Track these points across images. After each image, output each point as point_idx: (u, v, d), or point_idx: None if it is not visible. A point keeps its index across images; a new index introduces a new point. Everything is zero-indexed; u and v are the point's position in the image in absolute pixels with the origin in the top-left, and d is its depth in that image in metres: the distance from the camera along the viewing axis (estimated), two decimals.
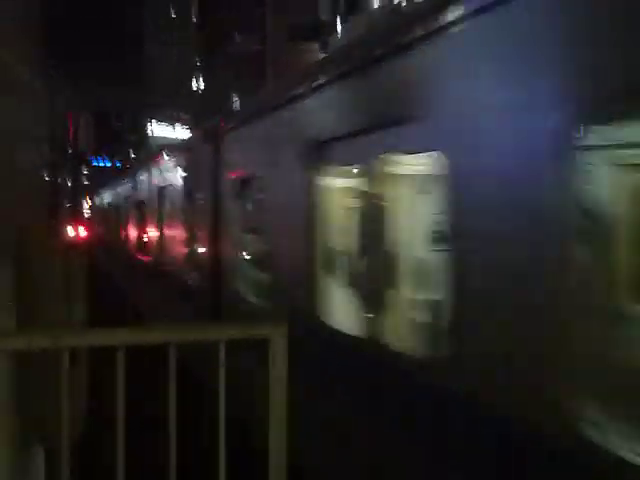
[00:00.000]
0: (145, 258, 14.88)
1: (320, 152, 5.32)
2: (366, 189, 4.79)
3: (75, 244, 2.94)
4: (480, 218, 3.41)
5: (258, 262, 7.39)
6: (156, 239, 13.43)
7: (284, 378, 2.38)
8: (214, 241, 8.70)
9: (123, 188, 19.84)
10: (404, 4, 8.47)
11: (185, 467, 2.54)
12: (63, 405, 2.23)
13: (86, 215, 37.93)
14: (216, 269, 8.44)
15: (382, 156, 4.50)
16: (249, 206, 7.70)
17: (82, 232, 24.09)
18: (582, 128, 2.80)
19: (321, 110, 5.51)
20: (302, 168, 5.57)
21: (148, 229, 14.71)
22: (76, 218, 26.77)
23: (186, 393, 3.57)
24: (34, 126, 3.47)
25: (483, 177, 3.39)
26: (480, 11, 3.37)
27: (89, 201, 42.28)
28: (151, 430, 3.50)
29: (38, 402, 2.62)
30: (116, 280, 19.85)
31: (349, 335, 4.85)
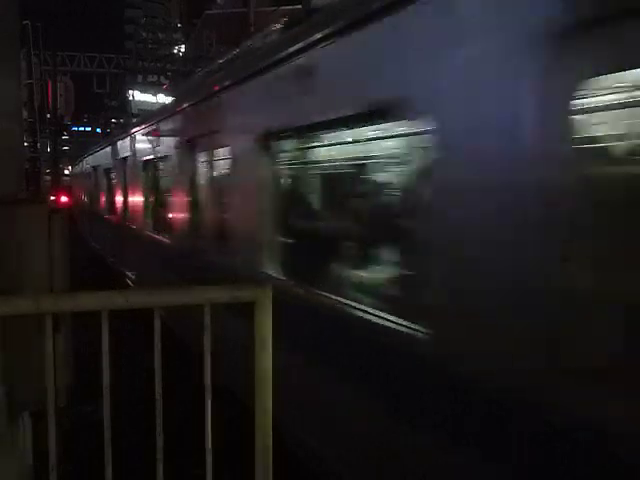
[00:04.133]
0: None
1: None
2: None
3: (56, 210, 2.90)
4: None
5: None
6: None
7: (269, 341, 2.36)
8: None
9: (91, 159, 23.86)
10: None
11: (171, 429, 2.54)
12: (48, 371, 2.22)
13: (66, 181, 37.41)
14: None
15: None
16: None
17: (63, 199, 23.90)
18: None
19: None
20: None
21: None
22: (56, 185, 26.45)
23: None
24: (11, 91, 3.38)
25: None
26: None
27: (69, 168, 41.66)
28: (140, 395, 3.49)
29: (23, 368, 2.61)
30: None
31: None
